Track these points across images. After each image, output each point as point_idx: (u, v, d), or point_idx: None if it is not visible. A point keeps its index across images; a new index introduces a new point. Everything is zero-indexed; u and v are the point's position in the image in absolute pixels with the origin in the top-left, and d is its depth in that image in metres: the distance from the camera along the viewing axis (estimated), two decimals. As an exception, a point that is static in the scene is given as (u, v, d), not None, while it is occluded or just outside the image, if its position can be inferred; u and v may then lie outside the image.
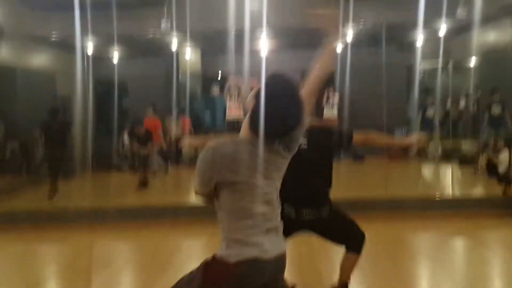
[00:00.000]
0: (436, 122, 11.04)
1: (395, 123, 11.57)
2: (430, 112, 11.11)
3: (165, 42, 11.06)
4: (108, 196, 8.57)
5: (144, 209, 7.27)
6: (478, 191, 8.33)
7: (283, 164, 2.24)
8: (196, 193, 2.24)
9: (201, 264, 2.24)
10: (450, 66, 12.54)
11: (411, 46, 12.22)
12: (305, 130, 3.45)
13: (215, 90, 12.92)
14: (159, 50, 11.64)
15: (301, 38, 11.76)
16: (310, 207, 3.49)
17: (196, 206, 7.59)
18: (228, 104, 11.75)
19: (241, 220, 2.12)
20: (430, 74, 13.08)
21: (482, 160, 9.04)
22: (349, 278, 3.75)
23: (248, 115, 2.17)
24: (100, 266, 5.18)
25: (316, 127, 3.58)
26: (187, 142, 3.77)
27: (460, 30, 10.46)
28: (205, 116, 14.19)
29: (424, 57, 11.63)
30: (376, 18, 8.94)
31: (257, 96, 2.10)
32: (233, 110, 11.68)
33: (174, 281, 4.51)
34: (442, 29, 10.00)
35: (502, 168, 8.64)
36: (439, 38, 10.14)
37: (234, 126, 11.36)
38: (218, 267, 2.14)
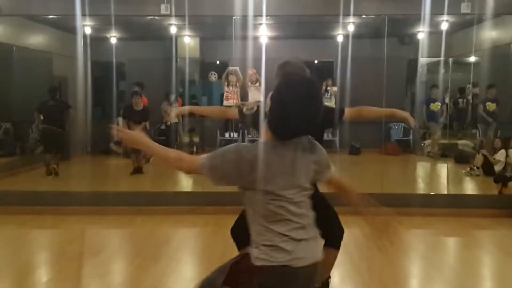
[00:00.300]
0: (442, 115, 10.97)
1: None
2: (434, 106, 11.06)
3: (164, 26, 10.94)
4: (102, 181, 8.53)
5: (138, 195, 7.22)
6: (473, 189, 8.33)
7: (309, 168, 2.13)
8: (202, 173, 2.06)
9: (234, 257, 2.21)
10: (450, 61, 12.50)
11: (412, 39, 12.18)
12: None
13: (213, 76, 12.85)
14: (158, 34, 11.53)
15: (300, 27, 11.67)
16: None
17: (191, 193, 7.58)
18: (225, 91, 11.70)
19: (270, 224, 2.04)
20: (430, 69, 13.02)
21: (478, 159, 9.02)
22: (328, 274, 3.70)
23: (267, 117, 2.08)
24: (91, 253, 5.14)
25: None
26: (174, 113, 3.72)
27: (463, 25, 10.39)
28: (202, 102, 14.14)
29: (425, 51, 11.56)
30: (379, 10, 8.83)
31: (274, 97, 2.03)
32: (230, 97, 11.62)
33: (166, 270, 4.52)
34: (445, 23, 9.93)
35: (498, 167, 8.64)
36: (441, 33, 10.08)
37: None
38: (244, 266, 2.08)
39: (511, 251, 5.41)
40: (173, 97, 11.73)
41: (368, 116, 3.52)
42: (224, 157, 2.02)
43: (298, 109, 1.98)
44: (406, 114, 3.78)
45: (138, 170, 8.97)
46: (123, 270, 4.84)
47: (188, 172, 2.16)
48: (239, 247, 3.54)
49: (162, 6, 8.37)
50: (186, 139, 12.18)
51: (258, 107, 3.49)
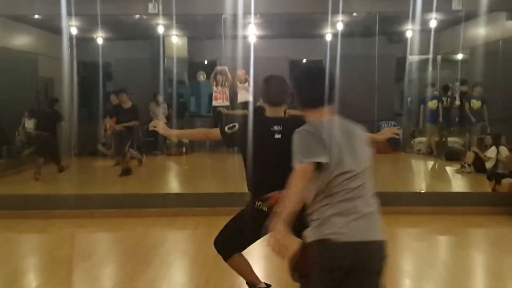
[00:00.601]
0: (439, 113, 10.91)
1: (384, 115, 11.53)
2: (432, 104, 10.98)
3: (151, 26, 10.82)
4: (90, 183, 8.38)
5: (128, 197, 7.08)
6: (466, 187, 8.30)
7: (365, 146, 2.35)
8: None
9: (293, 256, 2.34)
10: (438, 59, 12.53)
11: (401, 37, 12.17)
12: (280, 118, 3.32)
13: (201, 76, 12.75)
14: (145, 33, 11.40)
15: (290, 26, 11.62)
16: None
17: (181, 195, 7.46)
18: (213, 90, 11.62)
19: (324, 199, 2.25)
20: (419, 67, 13.03)
21: (470, 156, 9.02)
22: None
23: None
24: (81, 257, 5.02)
25: (292, 116, 3.43)
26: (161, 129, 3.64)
27: (452, 22, 10.41)
28: (190, 102, 14.03)
29: (414, 49, 11.56)
30: (369, 8, 8.80)
31: (297, 78, 2.45)
32: (219, 97, 11.54)
33: (158, 274, 4.42)
34: (434, 21, 9.94)
35: (489, 164, 8.64)
36: (430, 30, 10.08)
37: (219, 113, 11.22)
38: (306, 245, 2.30)
39: (506, 248, 5.38)
40: (161, 97, 11.61)
41: None
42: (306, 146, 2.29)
43: (321, 78, 2.37)
44: (385, 136, 3.89)
45: (127, 172, 8.83)
46: (114, 275, 4.72)
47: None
48: (226, 258, 3.46)
49: (150, 5, 8.27)
50: (175, 140, 12.06)
51: (240, 124, 3.40)
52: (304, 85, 2.43)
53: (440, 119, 10.88)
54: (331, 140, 2.24)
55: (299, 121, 3.40)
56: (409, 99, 12.58)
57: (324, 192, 2.26)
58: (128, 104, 8.87)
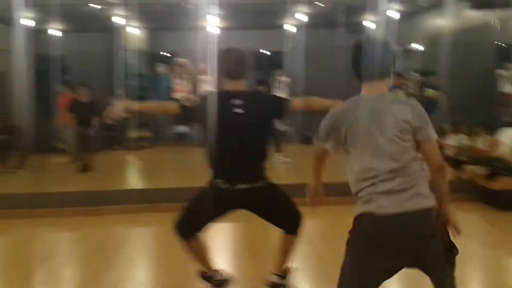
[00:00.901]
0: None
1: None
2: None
3: (108, 17, 10.49)
4: (48, 180, 8.05)
5: (88, 194, 6.82)
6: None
7: (398, 123, 2.31)
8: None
9: None
10: (399, 49, 12.64)
11: (363, 28, 12.21)
12: (241, 92, 3.21)
13: (161, 68, 12.48)
14: (102, 25, 11.05)
15: (252, 17, 11.49)
16: (244, 180, 3.20)
17: (144, 190, 7.25)
18: (174, 83, 11.40)
19: (359, 173, 2.37)
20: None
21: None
22: (289, 261, 3.58)
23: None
24: (41, 259, 4.78)
25: (253, 91, 3.34)
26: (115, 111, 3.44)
27: (416, 13, 10.49)
28: (150, 95, 13.70)
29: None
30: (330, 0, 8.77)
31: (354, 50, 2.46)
32: (180, 89, 11.33)
33: (122, 274, 4.24)
34: (396, 12, 10.00)
35: (449, 152, 8.76)
36: (393, 21, 10.14)
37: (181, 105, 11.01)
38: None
39: (472, 233, 5.45)
40: (119, 91, 11.30)
41: (317, 107, 3.41)
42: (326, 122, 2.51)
43: (363, 50, 2.42)
44: None
45: (87, 168, 8.52)
46: (76, 276, 4.51)
47: None
48: (185, 239, 3.34)
49: (107, -6, 7.98)
50: (136, 134, 11.77)
51: (201, 98, 3.29)
52: (352, 57, 2.49)
53: None
54: (346, 124, 2.38)
55: (263, 96, 3.33)
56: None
57: None
58: (86, 99, 8.56)
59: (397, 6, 9.68)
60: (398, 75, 11.37)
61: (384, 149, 2.30)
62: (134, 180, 8.87)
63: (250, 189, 3.20)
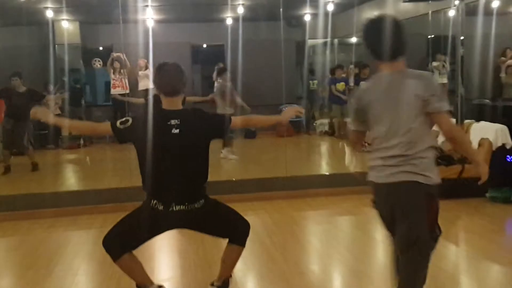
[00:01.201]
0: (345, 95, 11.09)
1: (287, 98, 11.60)
2: (340, 86, 11.16)
3: (38, 10, 9.98)
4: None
5: (21, 197, 6.47)
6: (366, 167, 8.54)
7: (410, 97, 2.51)
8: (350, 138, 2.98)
9: None
10: (335, 42, 12.84)
11: (300, 21, 12.30)
12: (177, 112, 3.10)
13: (97, 63, 12.05)
14: (31, 18, 10.49)
15: (188, 11, 11.30)
16: (180, 202, 3.08)
17: (84, 191, 6.95)
18: (111, 78, 11.06)
19: (374, 150, 2.66)
20: (317, 50, 13.28)
21: (370, 136, 9.29)
22: (231, 272, 3.49)
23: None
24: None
25: (190, 109, 3.25)
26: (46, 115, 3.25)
27: (350, 5, 10.64)
28: (86, 90, 13.23)
29: (312, 33, 11.72)
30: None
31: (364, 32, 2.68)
32: (117, 85, 11.00)
33: (63, 281, 4.02)
34: (331, 5, 10.11)
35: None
36: (327, 14, 10.25)
37: (120, 101, 10.69)
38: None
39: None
40: (51, 87, 10.83)
41: (256, 124, 3.42)
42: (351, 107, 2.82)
43: (378, 31, 2.58)
44: (291, 114, 3.64)
45: (8, 169, 8.05)
46: (12, 286, 4.24)
47: None
48: (116, 257, 3.16)
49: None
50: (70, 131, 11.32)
51: (133, 119, 3.15)
52: (365, 38, 2.67)
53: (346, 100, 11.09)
54: (366, 101, 2.65)
55: (199, 114, 3.22)
56: (315, 81, 12.79)
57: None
58: (22, 88, 8.10)
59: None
60: (339, 67, 11.59)
61: (397, 122, 2.52)
62: (71, 180, 8.50)
63: (187, 211, 3.08)
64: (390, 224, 2.73)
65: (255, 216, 5.83)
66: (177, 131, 3.01)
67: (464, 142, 2.69)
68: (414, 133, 2.52)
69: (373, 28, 2.62)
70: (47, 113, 3.33)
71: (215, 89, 9.05)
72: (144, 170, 3.09)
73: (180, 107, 3.14)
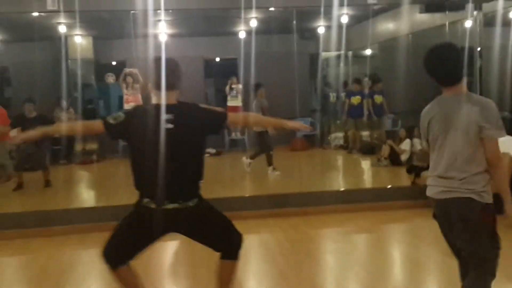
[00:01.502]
0: (361, 108, 10.93)
1: (301, 111, 11.49)
2: (355, 99, 11.01)
3: (52, 25, 10.00)
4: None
5: (32, 215, 6.38)
6: (384, 181, 8.35)
7: (466, 122, 2.67)
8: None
9: None
10: (350, 54, 12.72)
11: (314, 33, 12.19)
12: (171, 106, 2.97)
13: (110, 78, 12.05)
14: (45, 33, 10.54)
15: (202, 24, 11.27)
16: (173, 199, 2.94)
17: (94, 208, 6.86)
18: (124, 93, 11.04)
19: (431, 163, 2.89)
20: (332, 63, 13.17)
21: (385, 149, 9.14)
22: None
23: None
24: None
25: (185, 103, 3.13)
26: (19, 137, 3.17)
27: (365, 17, 10.52)
28: (99, 105, 13.24)
29: (327, 45, 11.61)
30: (284, 3, 8.63)
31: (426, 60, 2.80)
32: (130, 100, 10.97)
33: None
34: (345, 16, 9.99)
35: (404, 157, 8.81)
36: (342, 26, 10.14)
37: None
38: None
39: (431, 241, 5.41)
40: (64, 102, 10.85)
41: (254, 124, 3.25)
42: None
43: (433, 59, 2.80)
44: (296, 125, 3.54)
45: (20, 185, 8.00)
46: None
47: None
48: (113, 268, 3.04)
49: (49, 1, 7.54)
50: (82, 147, 11.30)
51: (126, 113, 3.04)
52: (425, 66, 2.80)
53: (365, 114, 10.90)
54: (427, 122, 2.85)
55: (194, 108, 3.11)
56: (334, 94, 12.65)
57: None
58: (33, 114, 8.09)
59: (348, 11, 9.65)
60: (355, 80, 11.46)
61: (455, 145, 2.69)
62: (83, 196, 8.43)
63: (180, 209, 2.95)
64: (450, 237, 2.93)
65: (269, 233, 5.69)
66: (171, 125, 2.90)
67: (502, 176, 2.74)
68: (469, 156, 2.67)
69: (433, 56, 2.79)
70: (25, 134, 3.23)
71: (253, 106, 8.76)
72: (136, 167, 2.99)
73: (175, 101, 3.03)
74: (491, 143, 2.65)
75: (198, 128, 3.01)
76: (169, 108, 2.95)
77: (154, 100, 3.02)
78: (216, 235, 3.12)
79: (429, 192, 2.89)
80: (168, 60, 3.04)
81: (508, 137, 6.51)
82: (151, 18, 9.73)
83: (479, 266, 2.76)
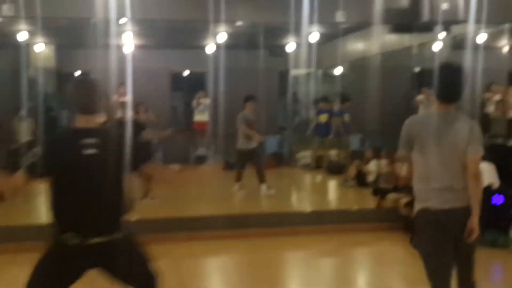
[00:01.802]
0: (329, 127, 10.77)
1: (269, 129, 11.30)
2: (322, 117, 10.88)
3: (11, 32, 9.61)
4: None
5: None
6: (350, 203, 8.17)
7: (456, 137, 2.96)
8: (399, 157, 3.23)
9: None
10: (320, 72, 12.65)
11: (283, 50, 12.08)
12: (93, 130, 2.74)
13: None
14: (3, 41, 10.14)
15: (168, 37, 11.04)
16: (99, 232, 2.68)
17: (20, 228, 6.36)
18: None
19: (418, 177, 3.05)
20: (300, 80, 13.06)
21: (352, 170, 9.00)
22: None
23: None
24: None
25: (111, 128, 2.87)
26: None
27: (335, 36, 10.46)
28: (62, 116, 12.78)
29: (296, 63, 11.50)
30: (253, 18, 8.46)
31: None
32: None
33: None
34: (315, 35, 9.89)
35: (370, 178, 8.66)
36: (312, 44, 10.05)
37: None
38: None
39: (393, 266, 5.25)
40: (23, 112, 10.44)
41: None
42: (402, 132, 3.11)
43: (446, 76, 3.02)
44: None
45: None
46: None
47: None
48: None
49: (5, 6, 7.19)
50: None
51: (45, 144, 2.78)
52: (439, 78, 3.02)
53: (332, 132, 10.78)
54: (417, 133, 3.01)
55: (120, 134, 2.85)
56: (303, 112, 12.54)
57: None
58: None
59: (317, 29, 9.55)
60: (323, 98, 11.36)
61: (442, 157, 2.92)
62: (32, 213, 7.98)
63: (106, 243, 2.68)
64: (444, 248, 3.01)
65: (228, 256, 5.42)
66: (92, 151, 2.67)
67: (480, 189, 2.97)
68: (460, 168, 2.92)
69: (450, 73, 3.05)
70: None
71: (237, 120, 8.23)
72: (56, 199, 2.71)
73: (97, 125, 2.81)
74: (474, 156, 2.93)
75: (122, 152, 2.73)
76: (91, 133, 2.72)
77: (75, 124, 2.77)
78: (132, 272, 2.81)
79: (428, 204, 2.98)
80: (88, 82, 2.94)
81: (485, 165, 6.46)
82: (115, 28, 9.45)
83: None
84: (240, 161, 8.25)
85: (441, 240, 2.98)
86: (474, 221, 2.90)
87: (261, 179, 8.07)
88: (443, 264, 2.99)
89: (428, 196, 2.99)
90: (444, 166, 2.93)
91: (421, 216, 3.03)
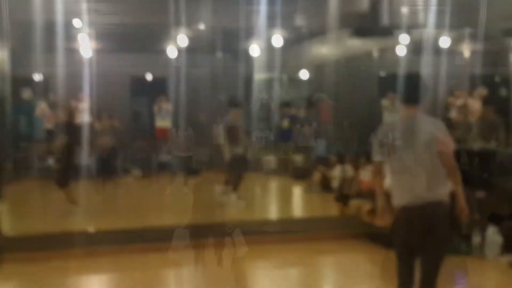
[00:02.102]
0: (291, 132, 10.64)
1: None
2: (285, 123, 10.74)
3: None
4: None
5: None
6: (314, 210, 8.03)
7: (427, 136, 3.12)
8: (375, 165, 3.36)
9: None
10: (284, 77, 12.55)
11: (247, 55, 11.91)
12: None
13: (27, 93, 11.20)
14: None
15: (128, 41, 10.76)
16: None
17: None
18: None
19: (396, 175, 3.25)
20: (265, 85, 12.93)
21: (316, 176, 8.89)
22: None
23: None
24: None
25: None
26: None
27: (296, 41, 10.37)
28: (19, 122, 12.26)
29: (260, 67, 11.37)
30: (212, 22, 8.29)
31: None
32: (51, 118, 10.20)
33: None
34: (278, 39, 9.78)
35: (335, 183, 8.55)
36: (275, 48, 9.94)
37: (53, 135, 9.88)
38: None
39: (356, 276, 5.14)
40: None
41: None
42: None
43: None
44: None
45: None
46: None
47: None
48: None
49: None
50: None
51: None
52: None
53: (294, 138, 10.67)
54: (390, 137, 3.15)
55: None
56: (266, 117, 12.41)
57: None
58: None
59: (279, 33, 9.43)
60: (286, 104, 11.25)
61: (416, 156, 3.08)
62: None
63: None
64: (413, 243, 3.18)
65: (186, 266, 5.19)
66: None
67: (460, 178, 3.15)
68: (433, 165, 3.08)
69: (409, 80, 3.29)
70: None
71: (219, 126, 7.87)
72: None
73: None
74: (447, 140, 3.13)
75: None
76: None
77: None
78: None
79: (400, 200, 3.16)
80: None
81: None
82: (76, 31, 9.17)
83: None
84: (232, 168, 7.75)
85: (411, 237, 3.13)
86: (462, 202, 3.13)
87: (234, 187, 7.74)
88: (409, 263, 3.18)
89: (403, 194, 3.16)
90: (418, 165, 3.09)
91: (399, 214, 3.17)
